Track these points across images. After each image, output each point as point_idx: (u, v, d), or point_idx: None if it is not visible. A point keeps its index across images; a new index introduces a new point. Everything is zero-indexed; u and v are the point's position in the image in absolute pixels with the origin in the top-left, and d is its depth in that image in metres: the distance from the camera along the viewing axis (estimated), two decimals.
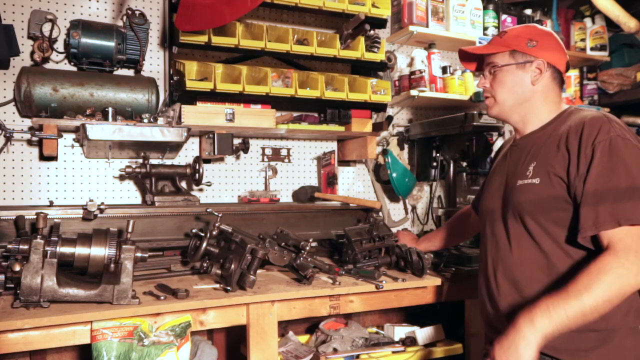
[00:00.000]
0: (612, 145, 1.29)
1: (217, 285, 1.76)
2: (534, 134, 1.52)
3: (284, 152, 2.83)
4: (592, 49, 3.48)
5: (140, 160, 2.28)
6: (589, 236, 1.29)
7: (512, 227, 1.46)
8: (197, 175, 2.30)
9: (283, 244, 2.00)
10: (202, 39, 2.24)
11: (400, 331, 2.31)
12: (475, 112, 2.60)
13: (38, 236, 1.49)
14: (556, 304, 1.20)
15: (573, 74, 3.49)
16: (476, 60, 1.68)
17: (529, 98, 1.51)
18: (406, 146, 3.11)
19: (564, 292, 1.22)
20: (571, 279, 1.24)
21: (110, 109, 2.14)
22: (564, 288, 1.23)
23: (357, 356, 2.09)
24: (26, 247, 1.47)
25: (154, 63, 2.52)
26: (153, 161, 2.34)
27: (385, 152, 2.87)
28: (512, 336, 1.23)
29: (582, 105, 3.39)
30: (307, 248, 1.90)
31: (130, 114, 2.24)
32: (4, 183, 2.26)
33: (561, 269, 1.37)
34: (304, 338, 2.43)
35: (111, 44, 2.24)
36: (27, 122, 2.25)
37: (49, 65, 2.30)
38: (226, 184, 2.70)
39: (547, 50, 1.49)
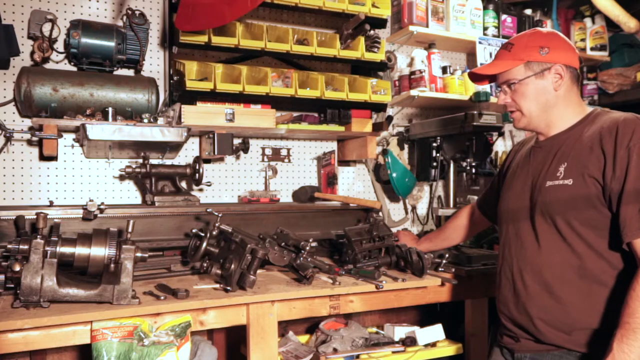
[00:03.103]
0: None
1: (217, 285, 1.76)
2: (559, 135, 1.51)
3: (284, 152, 2.83)
4: (592, 49, 3.48)
5: (140, 160, 2.28)
6: (633, 240, 1.29)
7: (541, 228, 1.46)
8: (197, 175, 2.30)
9: (283, 244, 2.00)
10: (202, 39, 2.24)
11: (400, 331, 2.31)
12: (475, 112, 2.60)
13: (38, 236, 1.48)
14: (631, 345, 1.21)
15: None
16: (486, 77, 1.65)
17: (554, 104, 1.50)
18: (406, 146, 3.11)
19: (627, 327, 1.23)
20: (622, 307, 1.25)
21: (110, 109, 2.14)
22: (624, 322, 1.24)
23: (357, 356, 2.09)
24: (26, 247, 1.47)
25: (154, 63, 2.52)
26: (153, 161, 2.33)
27: (385, 152, 2.87)
28: None
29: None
30: (307, 248, 1.90)
31: (130, 114, 2.24)
32: (4, 183, 2.26)
33: (594, 270, 1.37)
34: (304, 338, 2.43)
35: (111, 44, 2.24)
36: (27, 122, 2.25)
37: (49, 65, 2.30)
38: (226, 184, 2.70)
39: (560, 53, 1.48)
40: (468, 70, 3.03)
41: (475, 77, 1.67)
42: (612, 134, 1.35)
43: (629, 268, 1.32)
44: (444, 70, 3.00)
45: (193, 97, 2.30)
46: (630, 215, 1.29)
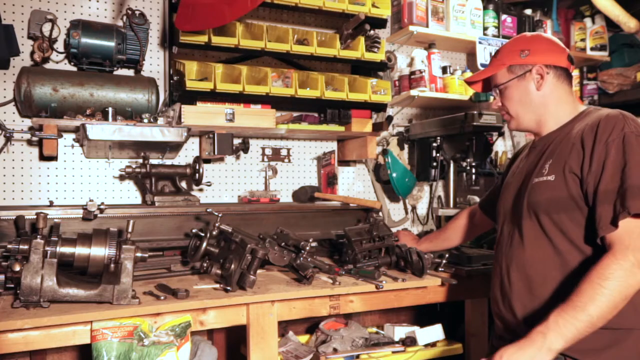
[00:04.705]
0: (625, 142, 1.30)
1: (217, 285, 1.76)
2: (551, 134, 1.53)
3: (284, 152, 2.83)
4: (592, 49, 3.48)
5: (140, 160, 2.28)
6: (606, 234, 1.28)
7: (527, 225, 1.47)
8: (197, 175, 2.30)
9: (283, 244, 2.00)
10: (202, 39, 2.24)
11: (400, 331, 2.31)
12: (475, 112, 2.60)
13: (38, 236, 1.48)
14: (566, 320, 1.21)
15: (573, 74, 3.49)
16: (481, 82, 1.71)
17: (541, 103, 1.53)
18: (406, 146, 3.11)
19: (570, 305, 1.22)
20: (575, 286, 1.24)
21: (110, 109, 2.14)
22: (570, 300, 1.23)
23: (357, 356, 2.09)
24: (26, 247, 1.47)
25: (154, 63, 2.52)
26: (153, 161, 2.33)
27: (385, 152, 2.87)
28: (527, 351, 1.22)
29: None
30: (307, 248, 1.90)
31: (130, 114, 2.24)
32: (4, 183, 2.26)
33: (575, 267, 1.37)
34: (304, 338, 2.43)
35: (111, 44, 2.24)
36: (27, 122, 2.25)
37: (49, 65, 2.30)
38: (226, 184, 2.70)
39: (541, 54, 1.52)
40: (468, 70, 3.06)
41: (471, 83, 1.74)
42: (593, 129, 1.36)
43: None
44: (444, 70, 3.00)
45: (193, 97, 2.30)
46: (605, 210, 1.28)
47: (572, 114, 1.52)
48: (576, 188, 1.36)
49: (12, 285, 1.57)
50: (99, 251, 1.56)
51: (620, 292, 1.20)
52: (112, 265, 1.55)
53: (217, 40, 2.26)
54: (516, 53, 1.54)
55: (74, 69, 2.33)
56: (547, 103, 1.52)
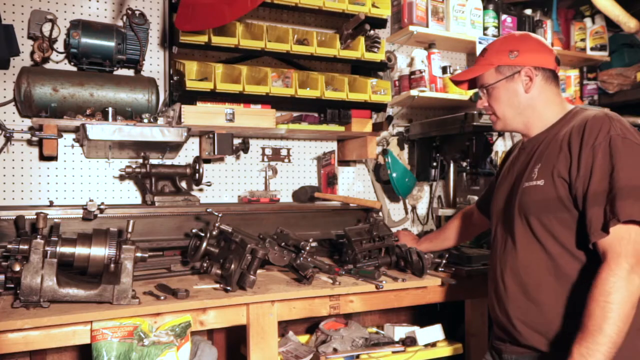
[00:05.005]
0: (611, 146, 1.30)
1: (217, 285, 1.76)
2: (539, 136, 1.52)
3: (284, 152, 2.83)
4: (592, 49, 3.48)
5: (140, 160, 2.28)
6: (598, 240, 1.28)
7: (518, 229, 1.46)
8: (197, 175, 2.30)
9: (283, 244, 2.00)
10: (202, 39, 2.24)
11: (400, 331, 2.31)
12: (475, 112, 2.60)
13: (38, 236, 1.48)
14: (589, 348, 1.20)
15: (573, 74, 3.50)
16: (467, 81, 1.69)
17: (528, 105, 1.52)
18: (406, 146, 3.11)
19: (587, 332, 1.21)
20: (584, 310, 1.24)
21: (110, 109, 2.14)
22: (584, 326, 1.22)
23: (357, 356, 2.09)
24: (26, 247, 1.47)
25: (154, 63, 2.52)
26: (153, 161, 2.33)
27: (385, 152, 2.88)
28: None
29: (584, 105, 3.38)
30: (307, 248, 1.90)
31: (130, 114, 2.24)
32: (4, 183, 2.26)
33: (568, 271, 1.36)
34: (304, 338, 2.43)
35: (111, 44, 2.24)
36: (27, 122, 2.25)
37: (49, 65, 2.30)
38: (226, 184, 2.70)
39: (530, 55, 1.50)
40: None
41: (457, 82, 1.71)
42: (580, 132, 1.35)
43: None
44: (444, 70, 3.00)
45: (193, 97, 2.30)
46: (595, 215, 1.28)
47: (560, 114, 1.51)
48: (565, 192, 1.36)
49: (12, 285, 1.57)
50: (99, 251, 1.56)
51: (626, 302, 1.20)
52: (112, 265, 1.55)
53: (217, 40, 2.26)
54: (505, 53, 1.52)
55: (74, 69, 2.33)
56: (534, 105, 1.51)
